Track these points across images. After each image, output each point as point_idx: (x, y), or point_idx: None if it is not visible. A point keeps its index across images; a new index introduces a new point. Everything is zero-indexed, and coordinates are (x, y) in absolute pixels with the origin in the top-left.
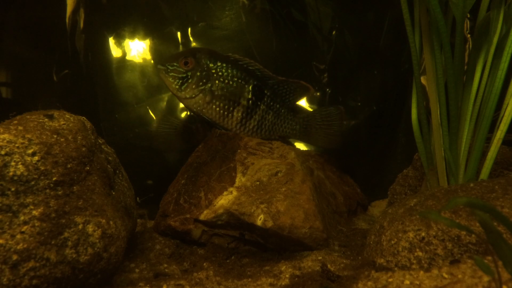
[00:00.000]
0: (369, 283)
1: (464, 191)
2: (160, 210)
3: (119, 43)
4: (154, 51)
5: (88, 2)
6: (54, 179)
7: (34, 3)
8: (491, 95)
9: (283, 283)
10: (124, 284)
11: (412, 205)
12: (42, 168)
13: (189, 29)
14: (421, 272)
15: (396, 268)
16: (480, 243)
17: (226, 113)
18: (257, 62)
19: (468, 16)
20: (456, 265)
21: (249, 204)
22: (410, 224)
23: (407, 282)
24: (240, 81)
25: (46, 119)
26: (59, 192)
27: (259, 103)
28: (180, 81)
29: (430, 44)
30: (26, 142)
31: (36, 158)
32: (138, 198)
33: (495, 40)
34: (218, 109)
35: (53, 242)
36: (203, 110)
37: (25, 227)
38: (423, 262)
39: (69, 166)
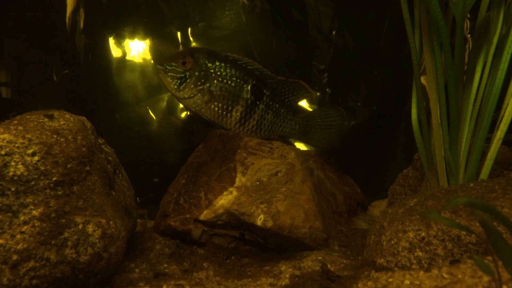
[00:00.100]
0: (369, 283)
1: (464, 191)
2: (160, 210)
3: (119, 43)
4: (154, 51)
5: (88, 2)
6: (54, 179)
7: (34, 3)
8: (491, 95)
9: (283, 283)
10: (124, 284)
11: (412, 205)
12: (42, 168)
13: (189, 29)
14: (421, 272)
15: (396, 268)
16: (480, 243)
17: (225, 112)
18: (257, 62)
19: (468, 16)
20: (456, 265)
21: (249, 204)
22: (410, 224)
23: (407, 282)
24: (238, 80)
25: (46, 119)
26: (59, 192)
27: (258, 102)
28: (179, 81)
29: (430, 44)
30: (26, 142)
31: (36, 158)
32: (138, 198)
33: (495, 40)
34: (216, 109)
35: (53, 242)
36: (202, 110)
37: (25, 227)
38: (423, 262)
39: (69, 166)
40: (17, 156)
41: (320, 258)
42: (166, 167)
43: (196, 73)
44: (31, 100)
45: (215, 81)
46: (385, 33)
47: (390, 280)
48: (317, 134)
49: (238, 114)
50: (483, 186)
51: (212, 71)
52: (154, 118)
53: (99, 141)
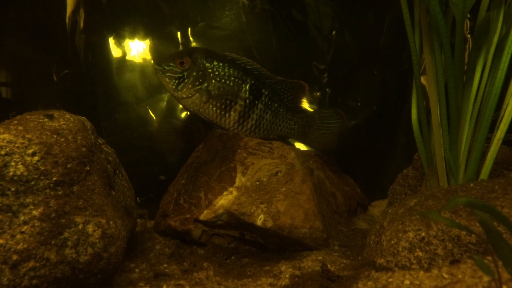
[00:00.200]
0: (369, 283)
1: (464, 191)
2: (160, 210)
3: (119, 43)
4: (154, 51)
5: (88, 2)
6: (54, 179)
7: (34, 3)
8: (491, 95)
9: (283, 283)
10: (124, 284)
11: (412, 205)
12: (42, 168)
13: (189, 29)
14: (421, 272)
15: (396, 268)
16: (480, 243)
17: (223, 112)
18: (257, 62)
19: (468, 16)
20: (456, 265)
21: (249, 204)
22: (410, 224)
23: (407, 282)
24: (237, 80)
25: (46, 119)
26: (59, 192)
27: (256, 102)
28: (177, 81)
29: (430, 44)
30: (26, 142)
31: (36, 158)
32: (138, 198)
33: (495, 40)
34: (215, 108)
35: (53, 242)
36: (200, 110)
37: (25, 227)
38: (423, 262)
39: (69, 166)
40: (17, 156)
41: (320, 258)
42: (166, 167)
43: (194, 73)
44: (31, 100)
45: (213, 81)
46: (385, 33)
47: (390, 280)
48: (316, 135)
49: (237, 113)
50: (483, 186)
51: (210, 71)
52: (154, 118)
53: (99, 141)
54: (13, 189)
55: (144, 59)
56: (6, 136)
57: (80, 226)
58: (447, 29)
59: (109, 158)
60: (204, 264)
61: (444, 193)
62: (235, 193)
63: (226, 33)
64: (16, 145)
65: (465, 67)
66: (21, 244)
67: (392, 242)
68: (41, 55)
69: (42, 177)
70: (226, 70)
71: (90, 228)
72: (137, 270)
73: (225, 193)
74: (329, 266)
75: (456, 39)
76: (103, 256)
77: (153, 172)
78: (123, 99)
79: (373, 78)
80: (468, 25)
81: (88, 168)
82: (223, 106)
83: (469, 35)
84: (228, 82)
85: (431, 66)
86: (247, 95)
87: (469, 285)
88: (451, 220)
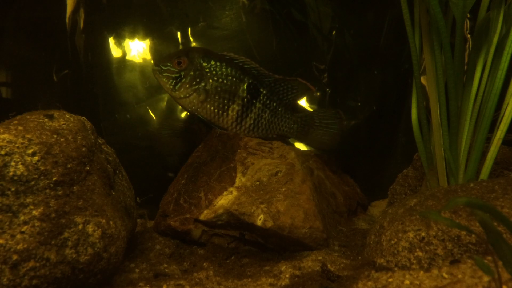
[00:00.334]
0: (369, 283)
1: (464, 191)
2: (160, 210)
3: (119, 43)
4: (154, 51)
5: (88, 2)
6: (54, 179)
7: (34, 3)
8: (491, 95)
9: (283, 283)
10: (124, 284)
11: (412, 205)
12: (42, 168)
13: (189, 29)
14: (421, 272)
15: (396, 268)
16: (480, 243)
17: (221, 112)
18: (256, 62)
19: (468, 16)
20: (456, 265)
21: (249, 204)
22: (410, 224)
23: (407, 282)
24: (234, 79)
25: (46, 119)
26: (59, 192)
27: (254, 101)
28: (174, 81)
29: (430, 44)
30: (26, 142)
31: (36, 158)
32: (138, 198)
33: (495, 40)
34: (212, 108)
35: (53, 242)
36: (198, 109)
37: (25, 227)
38: (423, 262)
39: (69, 166)
40: (17, 156)
41: (320, 258)
42: (166, 167)
43: (191, 73)
44: (31, 100)
45: (211, 80)
46: (385, 33)
47: (390, 280)
48: (315, 134)
49: (235, 113)
50: (483, 186)
51: (207, 70)
52: (154, 118)
53: (99, 141)
54: (13, 189)
55: (144, 59)
56: (6, 136)
57: (80, 226)
58: (447, 29)
59: (109, 158)
60: (204, 264)
61: (444, 193)
62: (235, 193)
63: (226, 33)
64: (16, 145)
65: (465, 67)
66: (21, 244)
67: (392, 242)
68: (41, 55)
69: (42, 177)
70: (223, 69)
71: (90, 228)
72: (137, 270)
73: (225, 193)
74: (329, 266)
75: (456, 39)
76: (103, 256)
77: (153, 172)
78: (123, 99)
79: (373, 78)
80: (468, 25)
81: (88, 168)
82: (220, 106)
83: (469, 35)
84: (225, 81)
85: (431, 66)
86: (244, 94)
87: (469, 285)
88: (451, 220)
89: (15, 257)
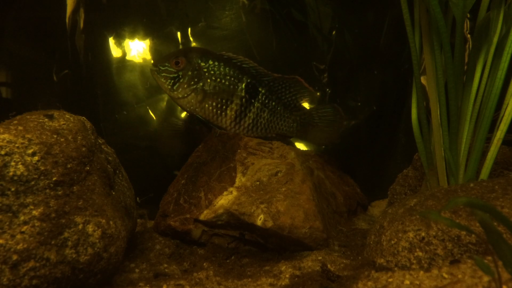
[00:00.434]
0: (369, 283)
1: (464, 191)
2: (160, 210)
3: (119, 43)
4: (154, 51)
5: (88, 2)
6: (54, 179)
7: (34, 3)
8: (491, 95)
9: (283, 283)
10: (124, 284)
11: (412, 205)
12: (42, 168)
13: (189, 29)
14: (421, 272)
15: (396, 268)
16: (480, 243)
17: (219, 111)
18: (256, 62)
19: (468, 16)
20: (456, 265)
21: (249, 204)
22: (410, 224)
23: (407, 282)
24: (232, 79)
25: (46, 119)
26: (59, 192)
27: (253, 101)
28: (172, 81)
29: (430, 44)
30: (26, 142)
31: (36, 158)
32: (138, 198)
33: (495, 40)
34: (211, 108)
35: (53, 242)
36: (197, 109)
37: (25, 227)
38: (423, 262)
39: (69, 166)
40: (17, 156)
41: (320, 258)
42: (166, 167)
43: (189, 73)
44: (31, 100)
45: (209, 80)
46: (385, 33)
47: (390, 280)
48: (316, 131)
49: (233, 112)
50: (483, 186)
51: (205, 70)
52: (154, 118)
53: (99, 141)
54: (13, 189)
55: (144, 59)
56: (6, 136)
57: (80, 226)
58: (447, 29)
59: (109, 158)
60: (204, 264)
61: (444, 193)
62: (235, 193)
63: (226, 33)
64: (16, 145)
65: (465, 67)
66: (21, 244)
67: (392, 242)
68: (41, 55)
69: (42, 177)
70: (221, 69)
71: (90, 228)
72: (137, 270)
73: (225, 193)
74: (329, 266)
75: (456, 39)
76: (103, 256)
77: (153, 172)
78: (123, 99)
79: (373, 78)
80: (468, 25)
81: (88, 168)
82: (219, 105)
83: (469, 35)
84: (223, 81)
85: (431, 66)
86: (243, 94)
87: (469, 285)
88: (451, 220)
89: (15, 257)
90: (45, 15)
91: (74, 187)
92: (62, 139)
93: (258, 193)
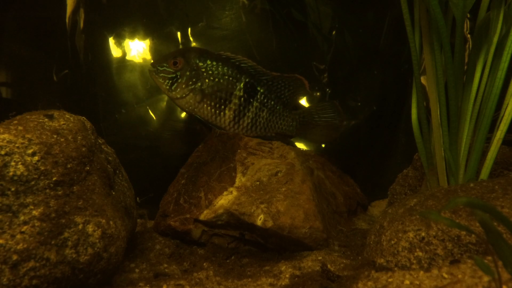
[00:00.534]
0: (369, 283)
1: (464, 191)
2: (160, 210)
3: (119, 43)
4: (154, 51)
5: (88, 2)
6: (54, 179)
7: (34, 3)
8: (491, 95)
9: (283, 283)
10: (124, 284)
11: (412, 205)
12: (42, 168)
13: (189, 29)
14: (421, 272)
15: (396, 268)
16: (480, 243)
17: (218, 111)
18: (256, 62)
19: (468, 16)
20: (456, 265)
21: (249, 204)
22: (410, 224)
23: (407, 282)
24: (231, 79)
25: (46, 119)
26: (59, 192)
27: (252, 100)
28: (170, 81)
29: (430, 44)
30: (26, 142)
31: (36, 158)
32: (138, 198)
33: (495, 40)
34: (209, 107)
35: (53, 242)
36: (195, 109)
37: (25, 227)
38: (423, 262)
39: (69, 166)
40: (17, 156)
41: (320, 258)
42: (166, 167)
43: (187, 73)
44: (31, 100)
45: (207, 80)
46: (385, 33)
47: (390, 280)
48: (315, 130)
49: (232, 112)
50: (483, 186)
51: (203, 70)
52: (154, 118)
53: (99, 141)
54: (13, 189)
55: (144, 59)
56: (6, 136)
57: (80, 226)
58: (447, 29)
59: (109, 158)
60: (204, 264)
61: (444, 193)
62: (235, 193)
63: (226, 33)
64: (16, 145)
65: (465, 67)
66: (21, 244)
67: (392, 242)
68: (41, 55)
69: (42, 177)
70: (219, 69)
71: (90, 228)
72: (137, 270)
73: (225, 193)
74: (329, 266)
75: (456, 39)
76: (103, 256)
77: (153, 172)
78: (123, 99)
79: (373, 78)
80: (468, 25)
81: (88, 168)
82: (217, 105)
83: (469, 35)
84: (221, 81)
85: (431, 66)
86: (241, 93)
87: (469, 285)
88: (451, 220)
89: (15, 257)
90: (45, 15)
91: (74, 187)
92: (62, 139)
93: (258, 193)
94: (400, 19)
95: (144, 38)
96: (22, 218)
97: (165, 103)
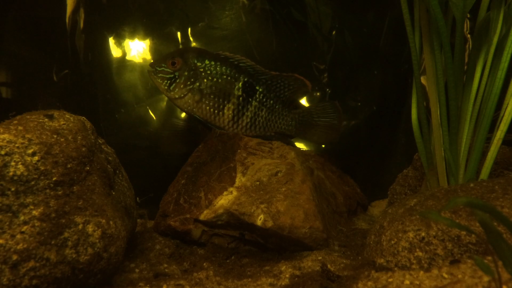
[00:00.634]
0: (369, 283)
1: (464, 191)
2: (160, 210)
3: (119, 43)
4: (154, 51)
5: (88, 2)
6: (54, 179)
7: (34, 3)
8: (491, 95)
9: (283, 283)
10: (124, 284)
11: (412, 205)
12: (42, 168)
13: (189, 29)
14: (421, 272)
15: (396, 268)
16: (480, 243)
17: (216, 111)
18: (255, 62)
19: (468, 16)
20: (456, 265)
21: (249, 204)
22: (410, 224)
23: (407, 282)
24: (229, 78)
25: (46, 119)
26: (59, 192)
27: (250, 99)
28: (168, 82)
29: (430, 44)
30: (26, 142)
31: (36, 158)
32: (138, 198)
33: (495, 40)
34: (208, 107)
35: (53, 242)
36: (194, 109)
37: (25, 227)
38: (423, 262)
39: (69, 166)
40: (17, 156)
41: (320, 258)
42: (166, 167)
43: (186, 73)
44: (31, 100)
45: (205, 80)
46: (385, 33)
47: (390, 280)
48: (315, 129)
49: (231, 112)
50: (483, 186)
51: (201, 70)
52: (154, 118)
53: (99, 141)
54: (13, 189)
55: (144, 59)
56: (6, 136)
57: (80, 226)
58: (447, 29)
59: (109, 158)
60: (204, 264)
61: (444, 193)
62: (235, 193)
63: (226, 33)
64: (16, 145)
65: (465, 67)
66: (21, 244)
67: (392, 242)
68: (41, 55)
69: (42, 177)
70: (218, 68)
71: (90, 228)
72: (137, 270)
73: (225, 193)
74: (329, 266)
75: (456, 39)
76: (103, 256)
77: (153, 172)
78: (123, 99)
79: (373, 78)
80: (468, 25)
81: (88, 168)
82: (216, 105)
83: (469, 35)
84: (220, 80)
85: (431, 66)
86: (240, 93)
87: (469, 285)
88: (451, 220)
89: (15, 257)
90: (45, 15)
91: (74, 187)
92: (62, 139)
93: (258, 193)
94: (400, 19)
95: (144, 38)
96: (22, 218)
97: (165, 103)
